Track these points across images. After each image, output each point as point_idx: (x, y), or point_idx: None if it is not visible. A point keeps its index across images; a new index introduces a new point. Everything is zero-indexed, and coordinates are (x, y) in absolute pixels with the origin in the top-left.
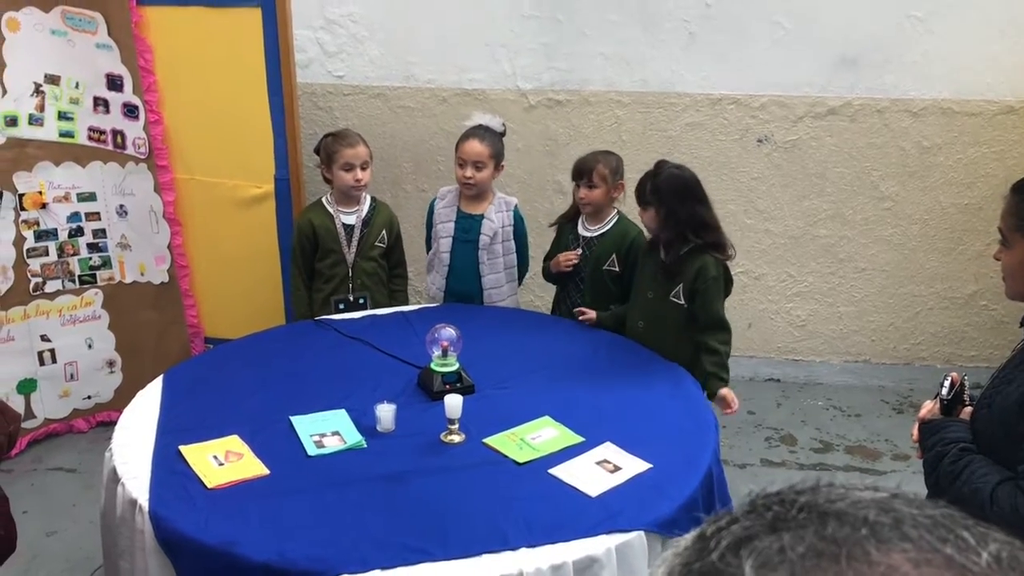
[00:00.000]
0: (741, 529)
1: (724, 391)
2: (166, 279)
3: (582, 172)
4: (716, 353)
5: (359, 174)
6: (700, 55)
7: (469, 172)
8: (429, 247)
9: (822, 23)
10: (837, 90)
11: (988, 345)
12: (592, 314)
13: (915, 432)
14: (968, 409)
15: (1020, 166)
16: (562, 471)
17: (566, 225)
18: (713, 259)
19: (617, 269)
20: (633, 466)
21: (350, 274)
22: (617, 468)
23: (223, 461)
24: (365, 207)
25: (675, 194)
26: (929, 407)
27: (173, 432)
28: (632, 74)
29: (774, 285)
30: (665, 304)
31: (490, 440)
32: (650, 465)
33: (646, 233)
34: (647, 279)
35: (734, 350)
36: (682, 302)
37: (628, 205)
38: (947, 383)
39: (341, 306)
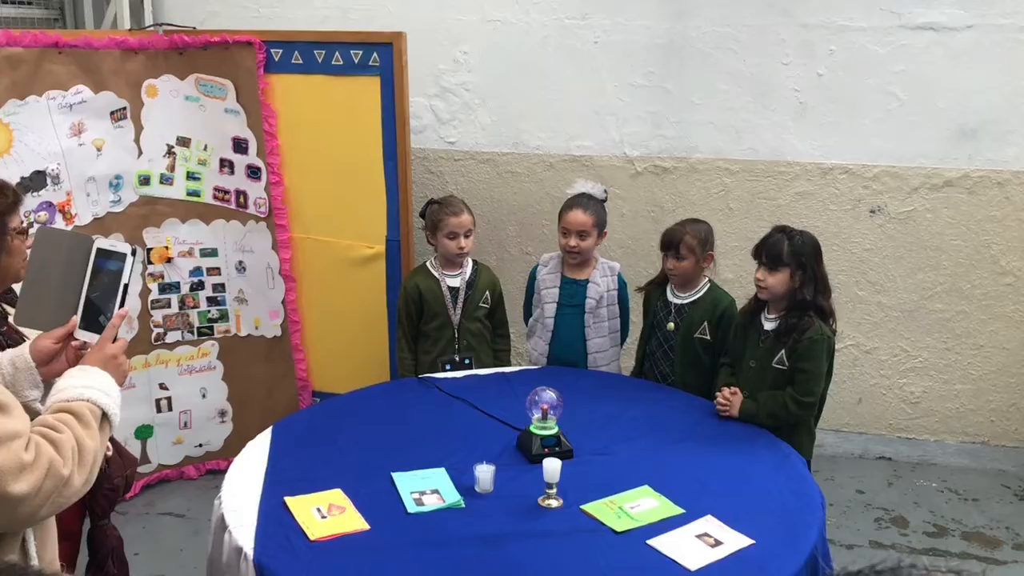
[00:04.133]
0: None
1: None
2: (279, 333)
3: (670, 244)
4: (785, 407)
5: (463, 242)
6: (811, 124)
7: (573, 241)
8: (528, 312)
9: (937, 94)
10: (954, 162)
11: None
12: (734, 407)
13: None
14: None
15: None
16: (661, 543)
17: (655, 291)
18: (821, 324)
19: (708, 337)
20: (735, 541)
21: (456, 335)
22: (718, 543)
23: (326, 514)
24: (468, 269)
25: (813, 256)
26: None
27: (279, 483)
28: (741, 142)
29: (887, 359)
30: (766, 372)
31: (588, 507)
32: (752, 541)
33: (752, 298)
34: (749, 348)
35: (843, 426)
36: (784, 367)
37: (718, 274)
38: None
39: (448, 367)
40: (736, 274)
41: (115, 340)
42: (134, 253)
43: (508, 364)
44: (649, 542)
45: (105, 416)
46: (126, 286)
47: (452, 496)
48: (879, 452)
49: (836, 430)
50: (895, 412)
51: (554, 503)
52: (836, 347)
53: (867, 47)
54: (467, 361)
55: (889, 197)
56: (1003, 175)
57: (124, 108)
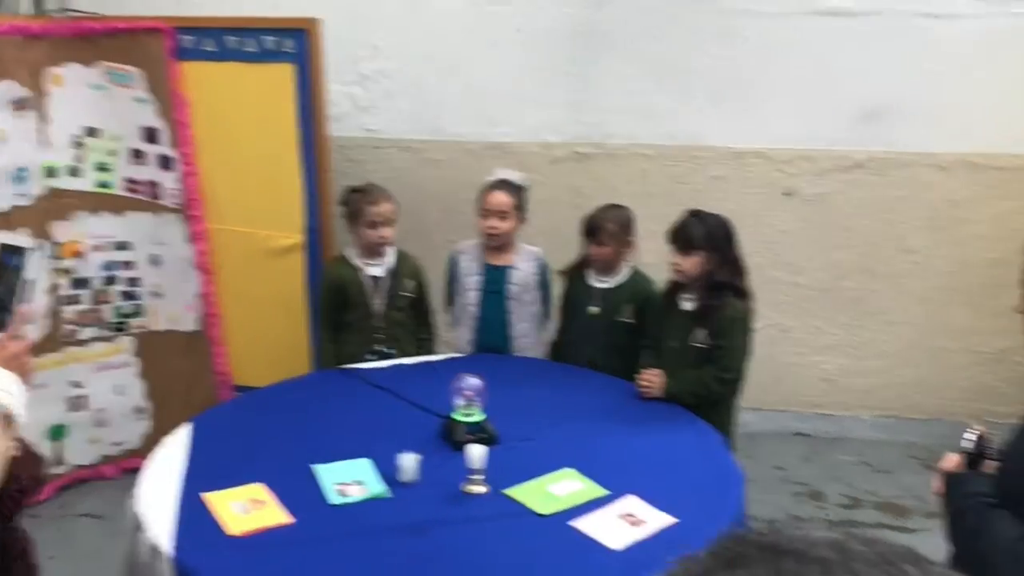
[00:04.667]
0: (701, 568)
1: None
2: (197, 327)
3: (592, 230)
4: (707, 385)
5: (383, 231)
6: (725, 109)
7: (493, 222)
8: (450, 301)
9: (845, 78)
10: (862, 144)
11: (1020, 401)
12: (656, 387)
13: (937, 484)
14: (992, 464)
15: None
16: (585, 524)
17: (575, 276)
18: (738, 302)
19: (633, 321)
20: (657, 520)
21: (378, 325)
22: (641, 522)
23: (247, 509)
24: (391, 258)
25: (726, 239)
26: (954, 460)
27: (198, 479)
28: (658, 128)
29: (802, 338)
30: (687, 352)
31: (512, 491)
32: (675, 519)
33: (669, 280)
34: (669, 329)
35: (761, 404)
36: (704, 345)
37: (639, 258)
38: (972, 436)
39: (370, 357)
40: (657, 258)
41: (19, 338)
42: (33, 249)
43: (433, 352)
44: (572, 524)
45: (9, 415)
46: (28, 282)
47: (376, 486)
48: (797, 429)
49: (755, 409)
50: (812, 389)
51: (479, 489)
52: (755, 327)
53: (779, 32)
54: (390, 352)
55: (802, 180)
56: (907, 157)
57: (27, 98)
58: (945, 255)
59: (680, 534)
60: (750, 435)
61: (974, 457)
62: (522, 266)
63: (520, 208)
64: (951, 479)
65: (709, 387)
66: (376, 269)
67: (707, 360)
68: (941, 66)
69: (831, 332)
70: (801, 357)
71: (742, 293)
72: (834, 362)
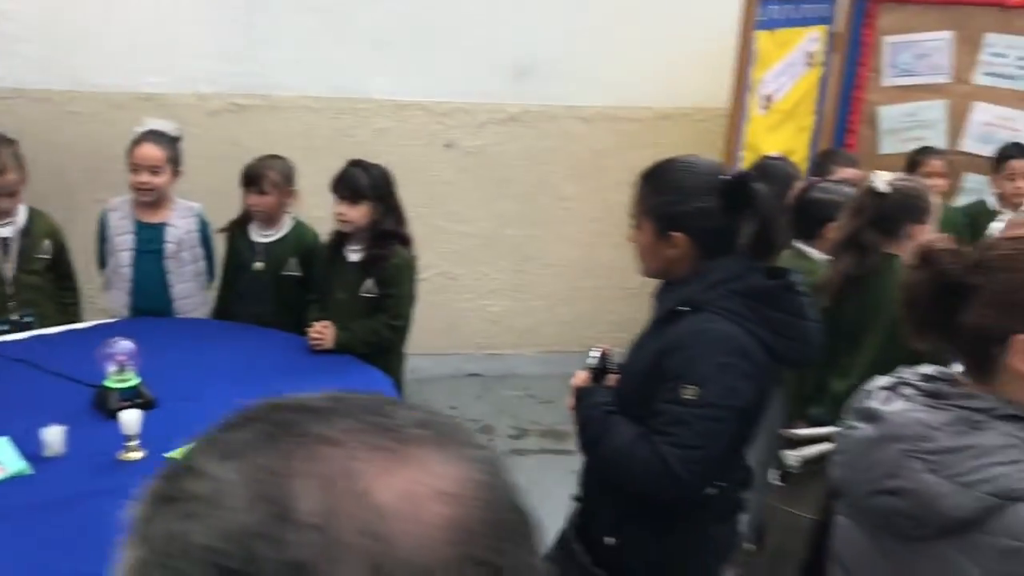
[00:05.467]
0: (204, 437)
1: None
2: None
3: (253, 179)
4: (378, 332)
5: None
6: (387, 61)
7: (144, 177)
8: (102, 264)
9: (498, 34)
10: (516, 98)
11: None
12: (327, 339)
13: (568, 400)
14: (615, 377)
15: None
16: None
17: (238, 231)
18: (403, 250)
19: (300, 273)
20: None
21: (9, 292)
22: None
23: None
24: (21, 217)
25: (388, 189)
26: (582, 376)
27: None
28: (321, 79)
29: (470, 284)
30: (356, 302)
31: (173, 454)
32: None
33: (334, 232)
34: (336, 281)
35: (434, 349)
36: (373, 295)
37: (307, 212)
38: (596, 354)
39: (4, 327)
40: (324, 212)
41: None
42: None
43: (79, 318)
44: None
45: None
46: None
47: (15, 464)
48: (470, 370)
49: (430, 354)
50: (481, 331)
51: (135, 455)
52: (424, 276)
53: None
54: (27, 319)
55: (461, 132)
56: (555, 110)
57: None
58: (592, 201)
59: None
60: (425, 380)
61: (598, 372)
62: (179, 223)
63: (174, 161)
64: (579, 393)
65: (381, 335)
66: (5, 229)
67: (377, 309)
68: (585, 24)
69: (496, 277)
70: (469, 302)
71: (406, 241)
72: (500, 304)
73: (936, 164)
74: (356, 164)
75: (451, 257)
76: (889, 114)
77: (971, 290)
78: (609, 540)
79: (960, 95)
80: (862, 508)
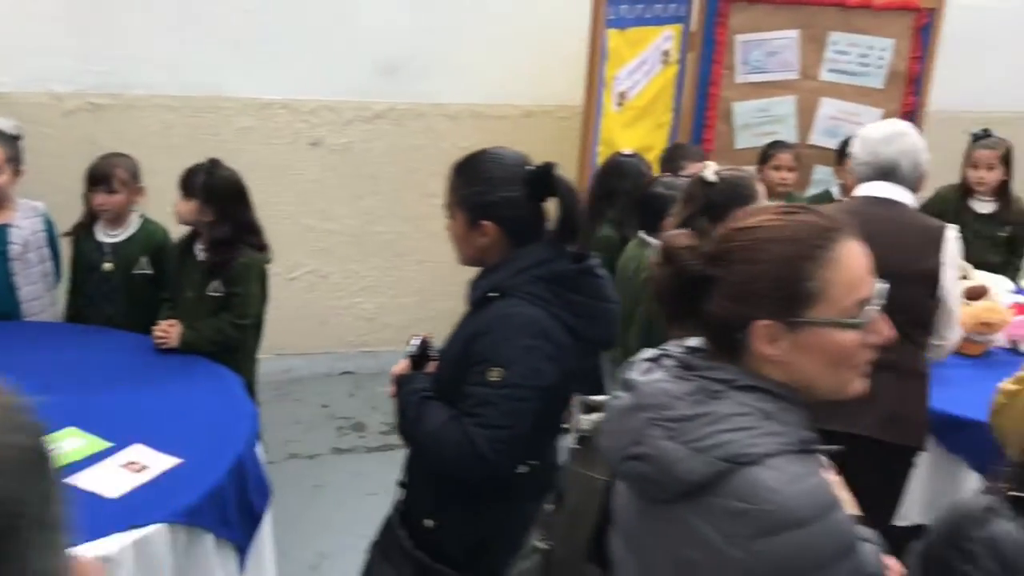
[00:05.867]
0: None
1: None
2: None
3: (100, 178)
4: (222, 331)
5: None
6: (248, 60)
7: None
8: None
9: (363, 31)
10: (382, 95)
11: None
12: (172, 338)
13: (390, 388)
14: (434, 364)
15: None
16: (82, 479)
17: (83, 233)
18: (251, 250)
19: (151, 271)
20: (161, 463)
21: None
22: (144, 467)
23: None
24: None
25: (229, 196)
26: (403, 365)
27: None
28: (180, 78)
29: (341, 282)
30: (204, 301)
31: None
32: (180, 460)
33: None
34: (186, 280)
35: (306, 348)
36: (219, 294)
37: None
38: (416, 341)
39: None
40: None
41: None
42: None
43: None
44: (69, 480)
45: None
46: None
47: None
48: (343, 368)
49: (303, 354)
50: (354, 329)
51: None
52: (294, 275)
53: None
54: None
55: (327, 130)
56: (422, 107)
57: None
58: None
59: (184, 472)
60: (298, 379)
61: (418, 359)
62: (23, 223)
63: (14, 160)
64: (399, 380)
65: (225, 333)
66: None
67: (223, 308)
68: (450, 22)
69: (367, 274)
70: (341, 300)
71: (261, 247)
72: (372, 302)
73: (784, 157)
74: (207, 164)
75: (321, 256)
76: (743, 110)
77: (712, 282)
78: (428, 523)
79: (808, 91)
80: (618, 472)
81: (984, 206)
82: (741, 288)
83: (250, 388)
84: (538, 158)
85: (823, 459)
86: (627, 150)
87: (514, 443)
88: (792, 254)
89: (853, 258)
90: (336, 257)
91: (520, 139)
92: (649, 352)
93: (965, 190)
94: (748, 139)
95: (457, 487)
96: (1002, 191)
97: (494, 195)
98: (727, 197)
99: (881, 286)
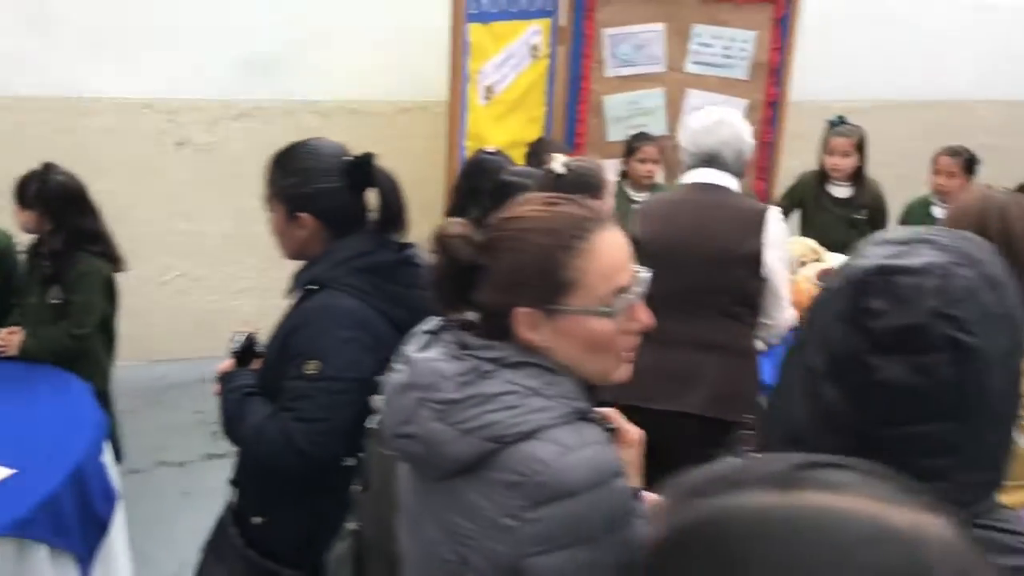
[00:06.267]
0: None
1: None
2: None
3: None
4: (60, 340)
5: None
6: (110, 59)
7: None
8: None
9: (229, 29)
10: (248, 93)
11: None
12: (12, 346)
13: (215, 387)
14: (260, 361)
15: (426, 159)
16: None
17: None
18: (93, 258)
19: None
20: None
21: None
22: None
23: None
24: None
25: (65, 203)
26: (227, 363)
27: None
28: (31, 78)
29: (216, 285)
30: (45, 309)
31: None
32: (14, 470)
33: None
34: (30, 286)
35: (181, 355)
36: (60, 301)
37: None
38: (240, 338)
39: None
40: None
41: None
42: None
43: None
44: None
45: None
46: None
47: None
48: None
49: (178, 360)
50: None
51: None
52: (165, 279)
53: None
54: None
55: (193, 130)
56: (292, 104)
57: None
58: None
59: (17, 483)
60: (174, 385)
61: (243, 356)
62: None
63: None
64: (222, 378)
65: (63, 343)
66: None
67: (64, 316)
68: (318, 18)
69: (244, 276)
70: (217, 304)
71: (100, 253)
72: (250, 304)
73: (649, 150)
74: (40, 171)
75: (193, 258)
76: (613, 103)
77: (482, 271)
78: (256, 520)
79: (675, 83)
80: (392, 450)
81: (841, 191)
82: (505, 277)
83: (103, 396)
84: (414, 154)
85: (602, 428)
86: (491, 147)
87: (332, 436)
88: (550, 244)
89: (610, 248)
90: (210, 259)
91: (394, 135)
92: (430, 323)
93: (823, 176)
94: (620, 132)
95: (284, 483)
96: (857, 176)
97: (311, 187)
98: (575, 187)
99: (644, 276)
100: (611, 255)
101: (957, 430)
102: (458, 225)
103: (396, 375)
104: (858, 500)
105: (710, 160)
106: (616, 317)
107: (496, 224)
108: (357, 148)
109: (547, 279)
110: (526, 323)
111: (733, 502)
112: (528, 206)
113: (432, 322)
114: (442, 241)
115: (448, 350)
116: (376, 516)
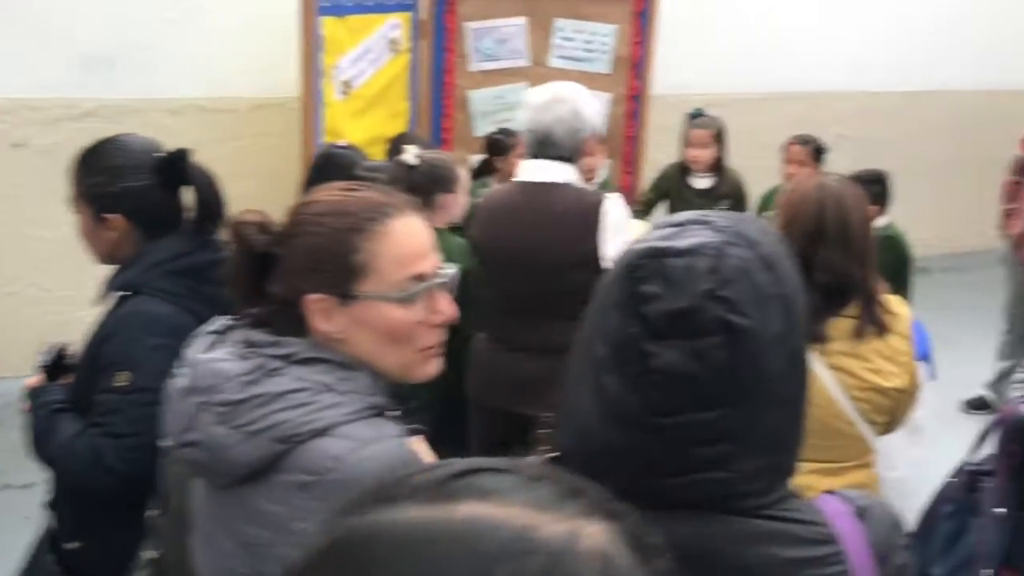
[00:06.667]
0: None
1: None
2: None
3: None
4: None
5: None
6: None
7: None
8: None
9: (66, 24)
10: (90, 91)
11: None
12: None
13: (25, 405)
14: (72, 375)
15: (281, 156)
16: None
17: None
18: None
19: None
20: None
21: None
22: None
23: None
24: None
25: None
26: (36, 378)
27: None
28: None
29: (65, 295)
30: None
31: None
32: None
33: None
34: None
35: (29, 370)
36: None
37: None
38: (50, 352)
39: None
40: None
41: None
42: None
43: None
44: None
45: None
46: None
47: None
48: None
49: (20, 376)
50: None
51: None
52: (11, 290)
53: None
54: None
55: (31, 130)
56: (137, 103)
57: None
58: None
59: None
60: (12, 403)
61: (53, 370)
62: None
63: None
64: (31, 393)
65: None
66: None
67: None
68: (168, 13)
69: (95, 286)
70: (66, 315)
71: None
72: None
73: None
74: None
75: (40, 267)
76: (478, 97)
77: (277, 260)
78: (72, 545)
79: (539, 77)
80: (177, 459)
81: (701, 181)
82: (297, 262)
83: None
84: (268, 151)
85: (400, 423)
86: (342, 141)
87: (145, 451)
88: (341, 226)
89: (407, 234)
90: (57, 268)
91: (248, 132)
92: (218, 323)
93: (684, 168)
94: (487, 127)
95: (99, 504)
96: (717, 167)
97: (118, 185)
98: (428, 180)
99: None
100: (408, 241)
101: (733, 415)
102: (253, 213)
103: (177, 380)
104: (512, 509)
105: (544, 141)
106: (412, 305)
107: (292, 210)
108: (210, 146)
109: (339, 262)
110: (319, 312)
111: (382, 518)
112: (327, 192)
113: (218, 322)
114: (236, 230)
115: (234, 350)
116: (175, 540)
